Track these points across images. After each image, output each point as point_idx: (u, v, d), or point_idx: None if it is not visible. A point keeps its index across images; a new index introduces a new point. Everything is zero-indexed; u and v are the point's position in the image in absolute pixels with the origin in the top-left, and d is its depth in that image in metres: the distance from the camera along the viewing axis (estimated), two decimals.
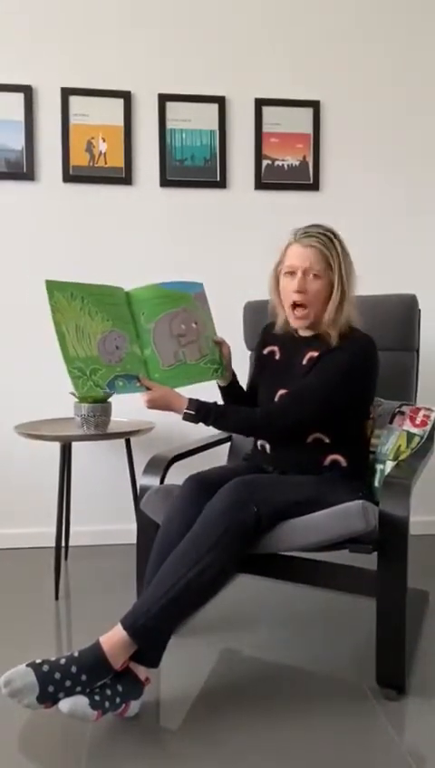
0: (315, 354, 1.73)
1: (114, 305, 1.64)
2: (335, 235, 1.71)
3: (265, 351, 1.88)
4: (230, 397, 1.88)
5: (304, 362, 1.75)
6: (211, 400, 1.71)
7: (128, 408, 2.39)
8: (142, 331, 1.67)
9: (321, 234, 1.69)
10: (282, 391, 1.76)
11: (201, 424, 1.67)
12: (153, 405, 1.66)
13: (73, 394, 2.11)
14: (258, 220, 2.70)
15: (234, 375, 1.88)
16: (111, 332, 1.62)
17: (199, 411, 1.66)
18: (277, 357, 1.84)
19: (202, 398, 1.70)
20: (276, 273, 1.77)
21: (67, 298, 1.56)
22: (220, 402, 1.83)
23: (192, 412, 1.66)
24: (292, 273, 1.71)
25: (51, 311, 1.53)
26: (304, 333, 1.80)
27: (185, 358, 1.70)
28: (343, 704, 1.55)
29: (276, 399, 1.76)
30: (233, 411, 1.70)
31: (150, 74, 2.62)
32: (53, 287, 1.55)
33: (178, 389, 1.67)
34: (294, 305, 1.72)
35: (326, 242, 1.68)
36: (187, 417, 1.66)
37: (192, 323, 1.71)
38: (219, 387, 1.87)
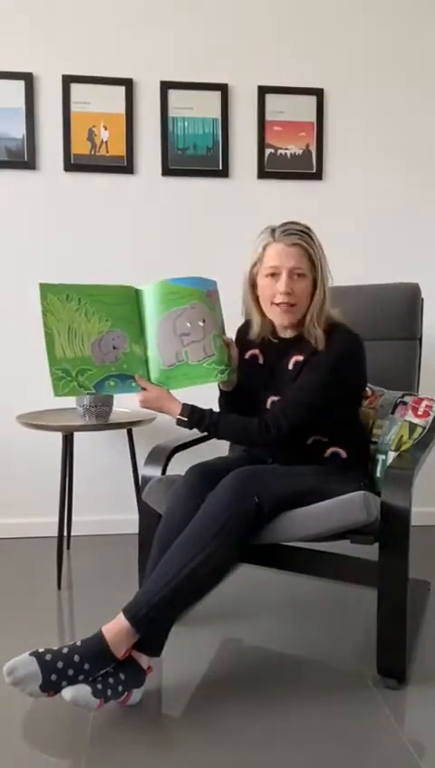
0: (300, 358, 1.67)
1: (116, 305, 1.63)
2: (313, 232, 1.66)
3: (247, 355, 1.80)
4: (228, 403, 1.80)
5: (290, 367, 1.70)
6: (208, 407, 1.68)
7: (130, 398, 2.39)
8: (147, 330, 1.65)
9: (301, 231, 1.63)
10: (273, 398, 1.72)
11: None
12: (146, 405, 1.65)
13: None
14: (261, 209, 2.68)
15: (237, 382, 1.77)
16: (108, 332, 1.61)
17: (192, 417, 1.64)
18: (260, 361, 1.78)
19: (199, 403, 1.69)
20: (252, 274, 1.70)
21: (62, 300, 1.57)
22: (216, 408, 1.77)
23: (184, 418, 1.64)
24: (274, 275, 1.64)
25: (42, 312, 1.55)
26: (283, 335, 1.74)
27: (187, 358, 1.64)
28: (344, 693, 1.56)
29: (268, 406, 1.73)
30: (227, 419, 1.66)
31: (152, 62, 2.60)
32: (47, 289, 1.56)
33: (178, 391, 1.64)
34: (281, 306, 1.65)
35: (308, 239, 1.63)
36: (179, 423, 1.66)
37: (199, 321, 1.64)
38: (221, 390, 1.80)
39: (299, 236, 1.62)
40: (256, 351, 1.80)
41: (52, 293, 1.56)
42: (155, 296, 1.65)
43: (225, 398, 1.81)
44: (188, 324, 1.64)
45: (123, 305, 1.64)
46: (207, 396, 1.82)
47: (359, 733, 1.41)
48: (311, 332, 1.66)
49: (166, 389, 1.65)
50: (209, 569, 1.47)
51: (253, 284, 1.71)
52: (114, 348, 1.62)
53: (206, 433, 1.68)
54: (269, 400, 1.73)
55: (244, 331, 1.82)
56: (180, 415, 1.65)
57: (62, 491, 2.21)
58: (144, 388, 1.64)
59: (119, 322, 1.63)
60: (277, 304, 1.65)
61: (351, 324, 1.70)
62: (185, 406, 1.65)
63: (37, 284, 1.57)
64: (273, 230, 1.65)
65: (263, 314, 1.72)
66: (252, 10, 2.62)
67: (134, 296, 1.66)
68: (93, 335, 1.60)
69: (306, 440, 1.71)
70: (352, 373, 1.69)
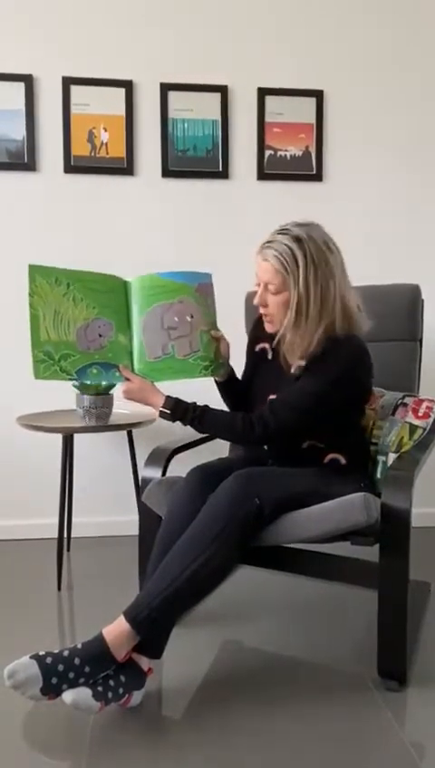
0: (304, 363, 1.65)
1: (105, 293, 1.63)
2: (304, 242, 1.56)
3: (258, 348, 1.82)
4: (227, 393, 1.83)
5: (293, 370, 1.68)
6: (195, 401, 1.67)
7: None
8: (134, 321, 1.66)
9: (284, 244, 1.56)
10: (272, 396, 1.71)
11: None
12: (129, 396, 1.65)
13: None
14: (261, 211, 2.68)
15: (232, 371, 1.82)
16: (95, 320, 1.61)
17: (175, 411, 1.62)
18: (269, 357, 1.79)
19: (192, 397, 1.68)
20: None
21: (50, 283, 1.57)
22: (204, 403, 1.74)
23: (167, 411, 1.62)
24: (258, 285, 1.65)
25: (29, 294, 1.55)
26: None
27: (174, 351, 1.65)
28: (345, 695, 1.56)
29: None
30: (212, 415, 1.64)
31: (152, 63, 2.60)
32: (36, 271, 1.57)
33: (163, 384, 1.64)
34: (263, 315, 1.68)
35: (286, 255, 1.55)
36: (162, 415, 1.64)
37: (187, 317, 1.65)
38: (216, 382, 1.82)
39: (275, 252, 1.57)
40: (267, 346, 1.80)
41: (40, 276, 1.57)
42: (142, 289, 1.66)
43: (222, 388, 1.82)
44: (176, 319, 1.65)
45: (111, 294, 1.64)
46: (190, 389, 1.82)
47: (359, 735, 1.41)
48: (290, 353, 1.64)
49: (150, 381, 1.65)
50: (210, 570, 1.47)
51: None
52: (100, 336, 1.61)
53: (190, 427, 1.66)
54: (269, 398, 1.73)
55: (259, 323, 1.81)
56: (163, 407, 1.63)
57: (62, 492, 2.21)
58: (127, 379, 1.64)
59: (106, 311, 1.63)
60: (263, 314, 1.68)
61: (362, 334, 1.68)
62: (168, 398, 1.64)
63: (27, 265, 1.57)
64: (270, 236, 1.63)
65: None
66: (251, 12, 2.62)
67: (122, 287, 1.67)
68: (80, 321, 1.59)
69: (301, 444, 1.71)
70: (351, 386, 1.66)
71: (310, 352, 1.61)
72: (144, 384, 1.64)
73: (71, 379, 1.59)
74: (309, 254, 1.57)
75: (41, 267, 1.57)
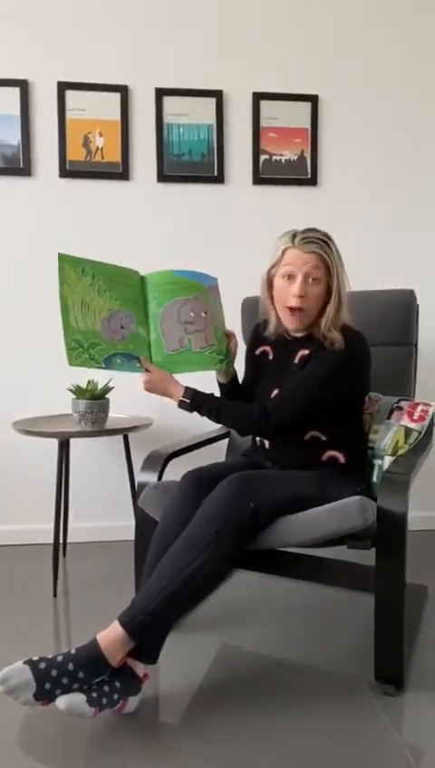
0: (307, 352, 1.72)
1: (126, 286, 1.67)
2: (331, 240, 1.71)
3: (258, 352, 1.88)
4: (229, 396, 1.86)
5: (297, 361, 1.74)
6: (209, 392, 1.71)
7: (126, 404, 2.39)
8: (151, 315, 1.70)
9: (319, 239, 1.68)
10: (278, 391, 1.75)
11: (198, 415, 1.68)
12: (150, 387, 1.67)
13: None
14: (256, 215, 2.68)
15: (235, 374, 1.86)
16: (118, 311, 1.64)
17: (195, 400, 1.67)
18: (271, 357, 1.84)
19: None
20: (270, 275, 1.75)
21: (78, 273, 1.60)
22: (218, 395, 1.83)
23: (187, 400, 1.66)
24: (290, 277, 1.69)
25: (59, 282, 1.57)
26: (295, 334, 1.79)
27: (190, 345, 1.71)
28: (342, 699, 1.55)
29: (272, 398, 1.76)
30: (229, 405, 1.71)
31: (147, 68, 2.60)
32: (65, 260, 1.59)
33: (179, 376, 1.69)
34: (293, 309, 1.70)
35: (325, 247, 1.68)
36: (181, 405, 1.68)
37: (202, 312, 1.72)
38: (219, 383, 1.86)
39: (317, 245, 1.67)
40: (268, 348, 1.86)
41: (69, 265, 1.59)
42: (160, 284, 1.70)
43: (224, 391, 1.86)
44: (192, 314, 1.71)
45: (130, 288, 1.69)
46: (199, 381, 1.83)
47: (357, 739, 1.40)
48: (328, 337, 1.69)
49: (169, 373, 1.69)
50: (205, 575, 1.46)
51: (270, 285, 1.76)
52: (122, 327, 1.65)
53: (206, 417, 1.69)
54: (274, 393, 1.76)
55: (258, 329, 1.90)
56: (183, 397, 1.67)
57: (57, 497, 2.20)
58: (147, 370, 1.67)
59: (127, 303, 1.67)
60: (290, 308, 1.70)
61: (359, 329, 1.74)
62: (187, 389, 1.68)
63: (56, 254, 1.59)
64: (294, 235, 1.70)
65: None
66: (247, 16, 2.63)
67: (139, 282, 1.72)
68: (104, 312, 1.62)
69: (304, 436, 1.72)
70: (354, 372, 1.72)
71: (334, 340, 1.68)
72: (164, 375, 1.68)
73: (99, 368, 1.61)
74: (337, 249, 1.71)
75: (69, 257, 1.60)
